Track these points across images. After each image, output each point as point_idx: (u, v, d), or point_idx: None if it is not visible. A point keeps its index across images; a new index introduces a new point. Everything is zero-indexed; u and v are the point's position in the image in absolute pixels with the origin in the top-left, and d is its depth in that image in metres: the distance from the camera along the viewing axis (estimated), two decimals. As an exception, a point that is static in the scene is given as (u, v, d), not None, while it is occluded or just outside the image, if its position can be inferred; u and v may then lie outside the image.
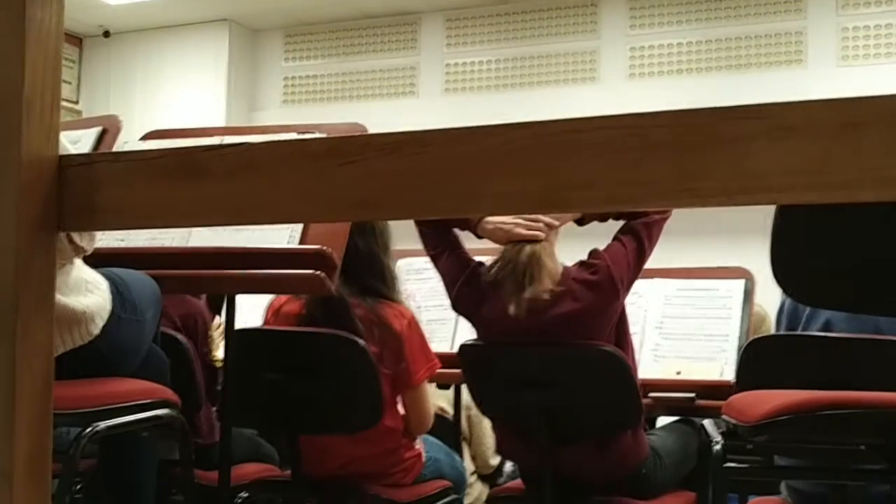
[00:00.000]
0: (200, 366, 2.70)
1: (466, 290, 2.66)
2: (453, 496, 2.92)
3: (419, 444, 2.84)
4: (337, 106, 7.77)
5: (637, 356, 2.80)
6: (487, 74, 7.45)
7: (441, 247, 2.73)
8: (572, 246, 2.69)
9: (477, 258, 2.74)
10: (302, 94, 8.05)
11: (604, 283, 2.53)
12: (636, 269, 2.58)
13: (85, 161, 1.24)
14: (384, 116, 6.67)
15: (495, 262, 2.62)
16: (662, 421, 3.11)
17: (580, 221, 2.62)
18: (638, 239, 2.57)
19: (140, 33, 8.08)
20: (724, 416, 1.91)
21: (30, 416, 1.18)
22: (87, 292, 1.84)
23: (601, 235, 2.65)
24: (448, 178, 1.05)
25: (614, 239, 2.61)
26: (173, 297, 2.69)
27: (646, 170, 0.94)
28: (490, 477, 4.02)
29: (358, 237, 2.69)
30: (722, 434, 1.98)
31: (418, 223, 2.77)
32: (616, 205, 0.96)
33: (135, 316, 1.95)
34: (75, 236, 1.76)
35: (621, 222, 2.63)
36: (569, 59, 7.19)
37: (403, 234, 2.90)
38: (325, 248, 2.34)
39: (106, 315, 1.85)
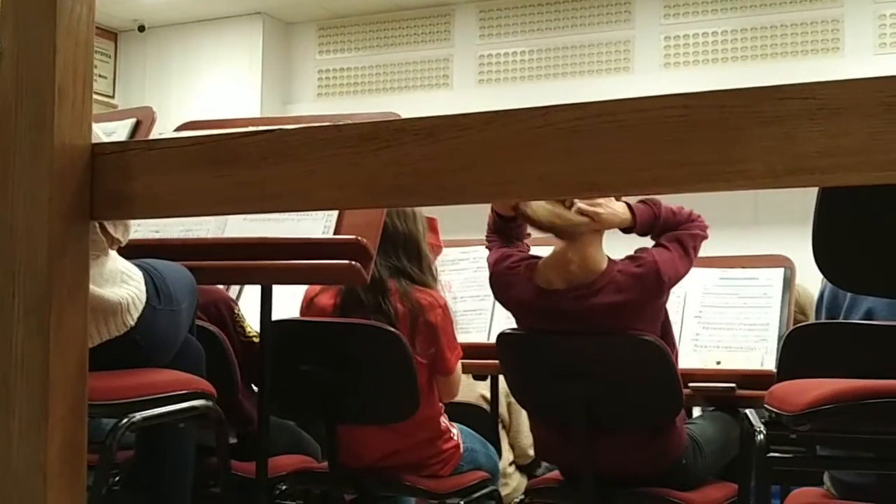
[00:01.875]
0: (239, 349, 2.69)
1: (504, 272, 2.65)
2: (491, 487, 2.91)
3: (457, 435, 2.83)
4: (370, 98, 7.76)
5: (677, 346, 2.77)
6: (521, 65, 7.41)
7: (496, 240, 2.74)
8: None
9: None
10: (336, 86, 8.06)
11: (649, 277, 2.50)
12: (681, 271, 2.57)
13: (118, 149, 1.23)
14: (418, 108, 6.61)
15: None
16: (699, 409, 3.07)
17: (628, 230, 2.59)
18: (683, 246, 2.57)
19: (175, 27, 8.12)
20: (766, 406, 1.88)
21: (64, 408, 1.18)
22: (122, 283, 1.84)
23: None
24: (485, 162, 1.03)
25: (659, 245, 2.59)
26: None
27: (690, 151, 0.91)
28: (528, 467, 4.00)
29: (397, 219, 2.70)
30: (764, 424, 1.94)
31: (487, 240, 2.81)
32: (660, 187, 0.94)
33: (170, 306, 1.95)
34: (110, 227, 1.76)
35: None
36: (603, 49, 7.14)
37: (440, 223, 2.89)
38: (360, 238, 2.33)
39: (141, 306, 1.85)
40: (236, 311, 2.76)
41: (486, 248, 2.82)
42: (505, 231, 2.75)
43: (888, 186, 0.86)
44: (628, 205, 2.58)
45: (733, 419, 2.81)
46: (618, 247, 2.66)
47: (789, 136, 0.87)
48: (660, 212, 2.57)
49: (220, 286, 2.88)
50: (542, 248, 2.73)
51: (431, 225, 2.99)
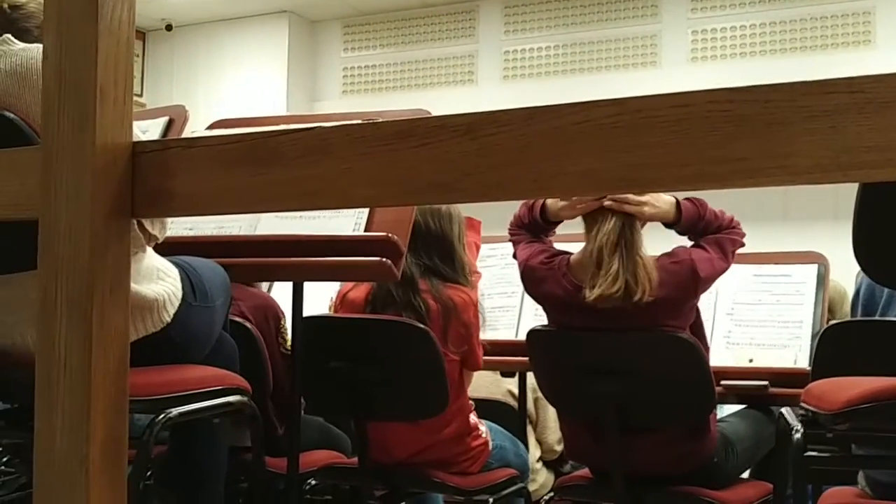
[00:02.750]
0: (277, 357, 2.72)
1: (538, 266, 2.64)
2: (520, 484, 2.91)
3: (486, 432, 2.83)
4: (395, 95, 7.77)
5: (709, 344, 2.76)
6: (546, 61, 7.39)
7: (523, 234, 2.74)
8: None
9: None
10: (361, 84, 8.07)
11: (684, 274, 2.48)
12: (717, 272, 2.55)
13: (158, 147, 1.24)
14: (443, 105, 6.61)
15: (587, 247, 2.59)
16: (728, 407, 3.06)
17: (671, 225, 2.58)
18: (722, 248, 2.56)
19: (202, 26, 8.16)
20: (802, 404, 1.87)
21: (106, 402, 1.19)
22: (158, 280, 1.85)
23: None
24: (524, 158, 1.03)
25: (696, 245, 2.57)
26: (243, 290, 2.71)
27: (733, 147, 0.91)
28: (555, 463, 3.99)
29: (431, 218, 2.70)
30: (800, 422, 1.92)
31: (509, 233, 2.80)
32: (704, 183, 0.93)
33: (205, 303, 1.96)
34: (147, 224, 1.77)
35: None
36: (629, 43, 7.10)
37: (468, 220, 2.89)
38: (391, 235, 2.34)
39: (177, 302, 1.86)
40: (282, 323, 2.78)
41: (511, 241, 2.80)
42: (535, 228, 2.74)
43: (934, 182, 0.85)
44: (676, 200, 2.56)
45: (764, 416, 2.80)
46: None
47: (836, 131, 0.86)
48: (705, 212, 2.55)
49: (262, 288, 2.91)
50: (566, 245, 2.73)
51: (473, 225, 3.00)
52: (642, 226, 2.55)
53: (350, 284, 2.83)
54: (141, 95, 8.27)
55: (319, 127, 1.16)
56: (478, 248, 3.06)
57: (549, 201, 2.67)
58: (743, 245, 2.63)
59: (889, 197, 1.32)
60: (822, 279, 2.91)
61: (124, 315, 1.22)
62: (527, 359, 2.80)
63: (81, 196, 1.18)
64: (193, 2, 7.73)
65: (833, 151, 0.86)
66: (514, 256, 2.78)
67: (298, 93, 8.00)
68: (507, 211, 2.80)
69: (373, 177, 1.12)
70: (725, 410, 3.00)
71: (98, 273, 1.17)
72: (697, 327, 2.60)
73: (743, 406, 2.92)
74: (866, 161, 0.85)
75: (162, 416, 1.74)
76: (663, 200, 2.54)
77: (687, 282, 2.49)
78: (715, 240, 2.57)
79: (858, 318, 2.45)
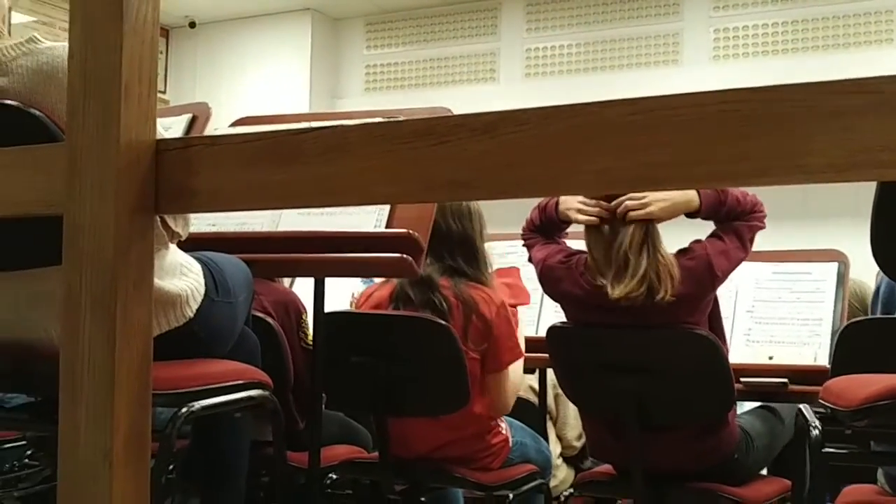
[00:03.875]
0: (299, 352, 2.73)
1: (556, 266, 2.65)
2: (539, 480, 2.91)
3: (506, 429, 2.84)
4: (418, 93, 7.78)
5: (728, 341, 2.75)
6: (568, 59, 7.38)
7: (537, 237, 2.75)
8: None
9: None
10: (383, 81, 8.09)
11: (701, 270, 2.48)
12: (735, 263, 2.54)
13: (181, 145, 1.26)
14: (465, 103, 6.63)
15: (593, 243, 2.59)
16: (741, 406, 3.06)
17: (694, 215, 2.57)
18: (739, 237, 2.54)
19: (225, 23, 8.20)
20: (821, 401, 1.87)
21: (129, 396, 1.21)
22: (181, 275, 1.87)
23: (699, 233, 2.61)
24: (543, 156, 1.04)
25: (714, 235, 2.57)
26: (265, 284, 2.73)
27: (749, 146, 0.92)
28: (575, 459, 4.00)
29: (452, 219, 2.71)
30: (819, 419, 1.93)
31: (523, 238, 2.81)
32: (719, 182, 0.94)
33: (228, 298, 1.98)
34: (170, 221, 1.79)
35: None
36: (650, 41, 7.09)
37: (487, 217, 2.90)
38: (412, 231, 2.35)
39: (200, 297, 1.88)
40: (303, 318, 2.80)
41: (525, 246, 2.81)
42: (549, 230, 2.75)
43: (949, 181, 0.86)
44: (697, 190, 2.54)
45: (776, 413, 2.79)
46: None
47: (851, 130, 0.87)
48: (726, 198, 2.52)
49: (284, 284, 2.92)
50: (576, 242, 2.74)
51: (513, 274, 3.00)
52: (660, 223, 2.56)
53: (376, 283, 2.84)
54: (164, 92, 8.32)
55: (340, 125, 1.18)
56: (522, 294, 3.03)
57: (562, 200, 2.67)
58: (763, 227, 2.60)
59: (905, 195, 1.32)
60: (841, 277, 2.90)
61: (147, 310, 1.24)
62: (547, 355, 2.81)
63: (105, 192, 1.20)
64: (217, -1, 7.77)
65: (847, 151, 0.87)
66: (529, 260, 2.79)
67: (321, 90, 8.03)
68: (528, 207, 2.81)
69: (392, 174, 1.13)
70: (744, 408, 3.00)
71: (121, 269, 1.19)
72: (715, 318, 2.59)
73: (756, 405, 2.92)
74: (881, 160, 0.85)
75: (185, 409, 1.76)
76: (674, 192, 2.51)
77: (704, 278, 2.49)
78: (733, 228, 2.55)
79: (878, 315, 2.44)
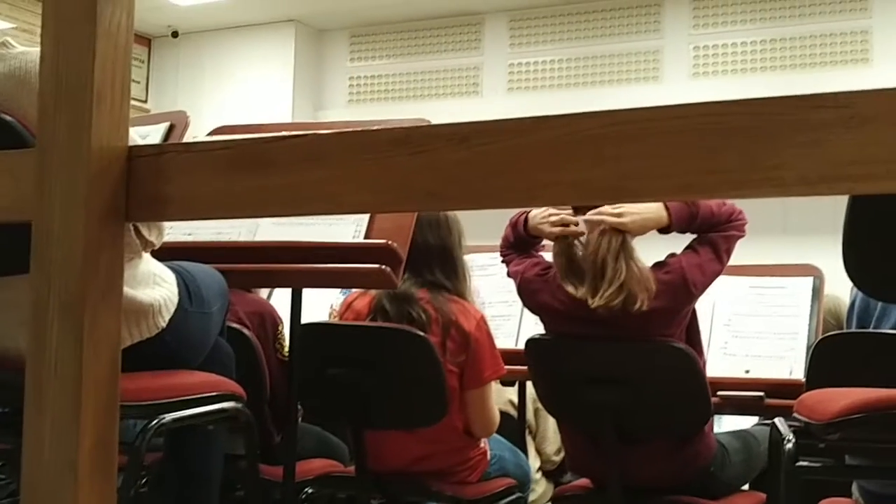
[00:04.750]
0: (274, 363, 2.71)
1: (534, 278, 2.65)
2: (518, 494, 2.90)
3: (484, 443, 2.83)
4: (401, 105, 7.79)
5: (705, 354, 2.76)
6: (551, 74, 7.41)
7: (513, 253, 2.75)
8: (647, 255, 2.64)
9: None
10: (366, 93, 8.09)
11: (676, 283, 2.49)
12: (711, 276, 2.54)
13: (154, 152, 1.25)
14: (448, 116, 6.61)
15: (562, 257, 2.59)
16: (727, 421, 3.05)
17: (665, 230, 2.57)
18: (714, 248, 2.53)
19: (208, 34, 8.18)
20: (795, 414, 1.87)
21: (96, 407, 1.19)
22: (154, 285, 1.85)
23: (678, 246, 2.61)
24: (517, 167, 1.04)
25: (689, 248, 2.57)
26: (240, 295, 2.71)
27: (721, 159, 0.92)
28: (554, 473, 4.00)
29: (429, 231, 2.69)
30: (793, 433, 1.93)
31: (501, 255, 2.81)
32: (692, 194, 0.95)
33: (202, 309, 1.96)
34: (143, 230, 1.78)
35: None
36: (632, 58, 7.13)
37: (467, 230, 2.89)
38: (390, 242, 2.34)
39: (173, 308, 1.86)
40: (279, 329, 2.78)
41: (504, 262, 2.81)
42: (522, 246, 2.75)
43: (920, 195, 0.86)
44: (665, 204, 2.53)
45: (756, 436, 2.79)
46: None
47: (821, 145, 0.87)
48: (698, 210, 2.51)
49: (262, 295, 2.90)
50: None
51: None
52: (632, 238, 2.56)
53: (356, 293, 2.83)
54: (146, 101, 8.30)
55: (314, 134, 1.17)
56: None
57: (530, 216, 2.67)
58: (742, 235, 2.58)
59: (877, 210, 1.33)
60: (817, 291, 2.92)
61: (116, 319, 1.22)
62: (526, 368, 2.80)
63: (75, 199, 1.18)
64: (200, 9, 7.75)
65: (818, 165, 0.87)
66: (508, 275, 2.79)
67: (304, 101, 8.02)
68: (508, 218, 2.81)
69: (367, 184, 1.13)
70: (724, 422, 3.00)
71: (91, 277, 1.18)
72: (693, 331, 2.59)
73: (735, 420, 2.92)
74: (849, 174, 0.86)
75: (155, 421, 1.74)
76: (645, 207, 2.51)
77: (679, 291, 2.50)
78: (708, 239, 2.54)
79: (853, 329, 2.45)
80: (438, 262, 2.72)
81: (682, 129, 0.95)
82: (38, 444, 1.18)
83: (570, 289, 2.52)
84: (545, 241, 2.77)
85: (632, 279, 2.45)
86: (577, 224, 2.57)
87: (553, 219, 2.60)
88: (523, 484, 2.97)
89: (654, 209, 2.51)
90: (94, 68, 1.19)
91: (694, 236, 2.59)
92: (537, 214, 2.65)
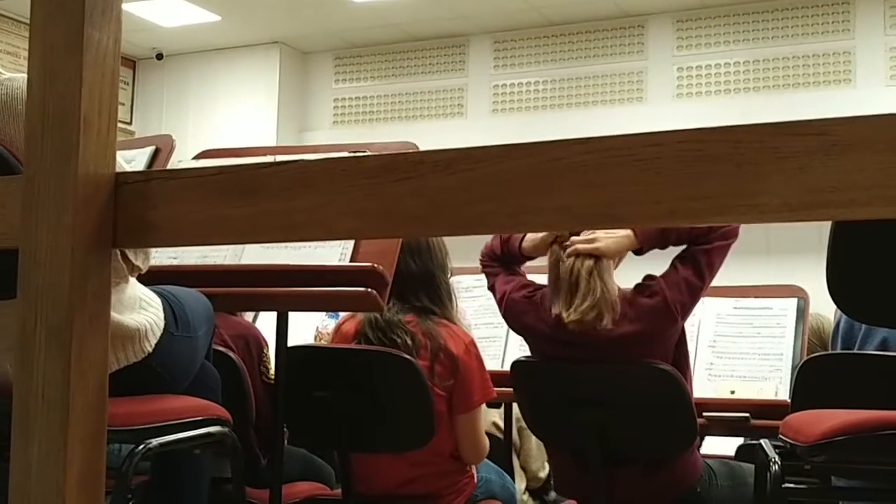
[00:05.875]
0: (259, 386, 2.70)
1: (520, 300, 2.65)
2: (503, 517, 2.90)
3: (471, 466, 2.82)
4: (386, 127, 7.82)
5: (691, 369, 2.76)
6: (535, 95, 7.46)
7: (497, 267, 2.75)
8: (629, 274, 2.64)
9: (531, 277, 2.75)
10: (351, 115, 8.12)
11: (659, 307, 2.49)
12: (693, 294, 2.53)
13: (141, 178, 1.25)
14: (432, 137, 6.68)
15: (552, 274, 2.60)
16: (714, 441, 3.05)
17: (638, 252, 2.58)
18: (695, 265, 2.51)
19: (193, 55, 8.20)
20: (781, 436, 1.88)
21: (83, 432, 1.19)
22: (141, 310, 1.85)
23: (662, 264, 2.61)
24: (502, 193, 1.05)
25: (671, 265, 2.57)
26: (225, 318, 2.70)
27: (705, 185, 0.93)
28: (539, 490, 3.99)
29: (412, 257, 2.68)
30: (778, 454, 1.94)
31: (482, 264, 2.81)
32: (676, 220, 0.95)
33: (187, 333, 1.96)
34: (130, 255, 1.78)
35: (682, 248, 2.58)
36: (616, 79, 7.19)
37: (452, 252, 2.90)
38: (376, 265, 2.35)
39: (159, 332, 1.86)
40: (265, 352, 2.77)
41: (484, 273, 2.81)
42: (509, 262, 2.75)
43: (901, 220, 0.87)
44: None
45: (744, 467, 2.79)
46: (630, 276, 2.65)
47: (803, 171, 0.88)
48: (668, 227, 2.46)
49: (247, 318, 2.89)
50: (539, 276, 2.74)
51: None
52: (616, 264, 2.57)
53: (346, 316, 2.82)
54: (130, 123, 8.29)
55: (301, 160, 1.18)
56: None
57: (528, 238, 2.67)
58: (730, 244, 2.51)
59: (860, 234, 1.34)
60: (801, 312, 2.93)
61: (104, 346, 1.22)
62: (511, 390, 2.81)
63: (62, 226, 1.18)
64: (184, 31, 7.76)
65: (800, 191, 0.88)
66: (490, 288, 2.79)
67: (289, 123, 8.04)
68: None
69: (354, 210, 1.13)
70: (708, 442, 3.01)
71: (78, 303, 1.18)
72: (682, 353, 2.60)
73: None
74: (831, 201, 0.87)
75: (142, 446, 1.74)
76: (615, 231, 2.51)
77: (662, 313, 2.50)
78: (689, 254, 2.53)
79: (837, 350, 2.47)
80: (422, 287, 2.71)
81: (665, 156, 0.96)
82: (25, 470, 1.18)
83: (553, 307, 2.54)
84: (530, 263, 2.78)
85: (603, 297, 2.47)
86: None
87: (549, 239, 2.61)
88: (509, 506, 2.96)
89: (623, 232, 2.52)
90: (82, 95, 1.19)
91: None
92: (536, 237, 2.65)
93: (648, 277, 2.57)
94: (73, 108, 1.20)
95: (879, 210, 0.87)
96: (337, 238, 2.18)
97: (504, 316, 2.75)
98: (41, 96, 1.22)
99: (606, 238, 2.52)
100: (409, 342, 2.62)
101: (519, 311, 2.67)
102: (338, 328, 2.84)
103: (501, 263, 2.76)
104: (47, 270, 1.19)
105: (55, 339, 1.18)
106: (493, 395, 2.76)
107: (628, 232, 2.52)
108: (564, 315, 2.48)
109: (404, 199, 1.10)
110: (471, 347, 2.70)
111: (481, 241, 2.83)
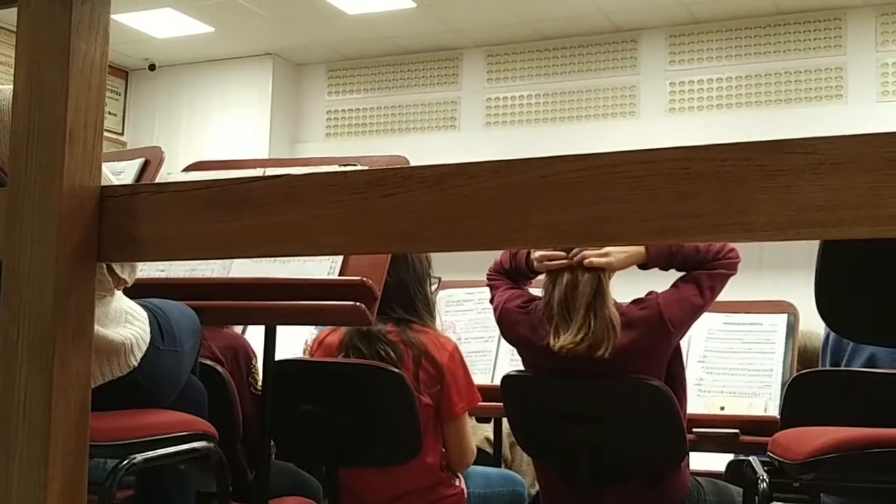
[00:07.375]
0: (248, 398, 2.69)
1: (514, 310, 2.64)
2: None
3: (460, 481, 2.81)
4: (378, 139, 7.82)
5: (686, 384, 2.75)
6: (528, 109, 7.47)
7: (502, 280, 2.74)
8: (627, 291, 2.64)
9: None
10: (344, 127, 8.12)
11: (652, 320, 2.49)
12: (692, 312, 2.53)
13: (126, 192, 1.24)
14: (425, 150, 6.71)
15: (548, 289, 2.58)
16: (704, 457, 3.05)
17: (644, 266, 2.58)
18: (698, 286, 2.52)
19: (185, 67, 8.19)
20: (769, 453, 1.87)
21: (65, 448, 1.18)
22: (126, 323, 1.84)
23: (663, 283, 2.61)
24: (491, 209, 1.04)
25: (673, 285, 2.57)
26: (214, 330, 2.69)
27: (693, 203, 0.92)
28: (528, 506, 3.98)
29: (387, 270, 2.68)
30: (767, 471, 1.93)
31: (488, 278, 2.80)
32: (664, 238, 0.95)
33: (174, 347, 1.95)
34: (116, 268, 1.76)
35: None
36: (609, 93, 7.20)
37: (444, 265, 2.89)
38: (365, 279, 2.34)
39: (145, 346, 1.85)
40: (253, 363, 2.76)
41: (489, 286, 2.81)
42: (516, 276, 2.74)
43: (889, 240, 0.87)
44: None
45: (732, 489, 2.78)
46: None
47: (791, 190, 0.87)
48: (679, 247, 2.49)
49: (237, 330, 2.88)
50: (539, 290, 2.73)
51: None
52: (610, 277, 2.56)
53: (328, 329, 2.82)
54: (122, 134, 8.28)
55: (288, 175, 1.17)
56: None
57: (536, 254, 2.66)
58: (732, 271, 2.54)
59: (848, 252, 1.34)
60: (791, 328, 2.93)
61: (87, 361, 1.21)
62: (502, 404, 2.80)
63: (47, 239, 1.17)
64: (177, 42, 7.76)
65: (787, 210, 0.87)
66: (491, 301, 2.78)
67: (281, 135, 8.03)
68: (483, 256, 2.80)
69: (342, 225, 1.12)
70: (696, 457, 3.00)
71: (61, 318, 1.17)
72: (676, 372, 2.59)
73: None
74: (818, 219, 0.86)
75: (126, 461, 1.72)
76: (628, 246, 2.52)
77: (656, 328, 2.49)
78: (692, 276, 2.54)
79: (826, 367, 2.46)
80: (395, 298, 2.71)
81: (654, 174, 0.96)
82: (6, 486, 1.16)
83: (546, 334, 2.53)
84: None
85: (599, 326, 2.46)
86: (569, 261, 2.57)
87: (552, 254, 2.59)
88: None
89: (635, 247, 2.52)
90: (68, 108, 1.19)
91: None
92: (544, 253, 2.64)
93: (649, 293, 2.57)
94: (59, 121, 1.19)
95: (867, 229, 0.87)
96: (323, 253, 2.18)
97: (499, 324, 2.74)
98: (27, 108, 1.22)
99: (618, 252, 2.52)
100: (392, 353, 2.62)
101: (513, 320, 2.66)
102: (320, 341, 2.83)
103: (508, 277, 2.75)
104: (30, 283, 1.18)
105: (37, 353, 1.17)
106: (479, 400, 2.76)
107: (641, 249, 2.52)
108: (552, 341, 2.47)
109: (392, 215, 1.09)
110: (454, 353, 2.70)
111: (473, 256, 2.81)
